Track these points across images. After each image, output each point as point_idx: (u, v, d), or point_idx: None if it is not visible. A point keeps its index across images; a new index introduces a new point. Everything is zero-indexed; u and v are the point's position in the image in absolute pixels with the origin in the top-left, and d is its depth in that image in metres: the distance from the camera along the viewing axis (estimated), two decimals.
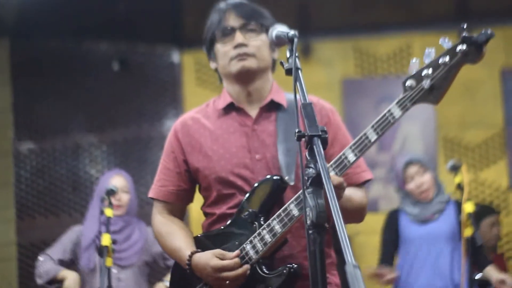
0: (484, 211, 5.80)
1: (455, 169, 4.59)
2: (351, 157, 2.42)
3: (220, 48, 2.70)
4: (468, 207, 4.39)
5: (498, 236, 5.91)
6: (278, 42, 2.31)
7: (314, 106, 2.64)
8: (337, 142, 2.64)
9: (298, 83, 2.08)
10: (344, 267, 1.66)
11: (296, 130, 1.96)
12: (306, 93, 2.07)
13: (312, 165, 1.92)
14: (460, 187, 4.51)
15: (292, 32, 2.21)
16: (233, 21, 2.69)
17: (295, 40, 2.18)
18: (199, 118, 2.76)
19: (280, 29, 2.29)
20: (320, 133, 1.94)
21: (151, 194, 2.82)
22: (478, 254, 4.81)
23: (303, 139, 1.95)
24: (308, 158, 1.94)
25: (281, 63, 2.18)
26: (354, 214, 2.60)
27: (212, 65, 2.80)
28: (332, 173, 2.39)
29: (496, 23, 6.62)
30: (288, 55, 2.16)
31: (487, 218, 5.76)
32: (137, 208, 5.02)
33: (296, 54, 2.13)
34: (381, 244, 5.20)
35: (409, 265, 5.03)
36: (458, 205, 4.87)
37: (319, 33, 7.08)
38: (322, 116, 2.64)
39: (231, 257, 2.50)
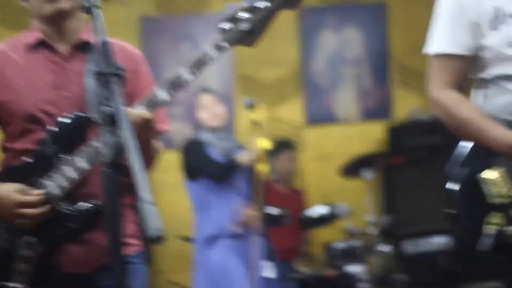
0: (282, 146, 6.01)
1: (251, 106, 4.71)
2: (164, 95, 2.41)
3: None
4: (264, 143, 4.52)
5: (294, 171, 6.16)
6: None
7: (125, 51, 2.61)
8: (146, 91, 2.63)
9: (95, 21, 2.04)
10: (140, 204, 1.68)
11: (94, 68, 1.93)
12: (105, 31, 2.03)
13: (108, 103, 1.91)
14: (256, 123, 4.63)
15: None
16: None
17: None
18: (5, 50, 2.64)
19: None
20: (117, 71, 1.92)
21: None
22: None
23: (101, 76, 1.93)
24: (105, 96, 1.92)
25: (82, 2, 2.13)
26: (150, 158, 2.59)
27: (24, 4, 2.68)
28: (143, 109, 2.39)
29: None
30: None
31: (285, 153, 5.97)
32: None
33: None
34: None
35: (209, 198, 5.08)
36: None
37: None
38: (132, 63, 2.62)
39: (34, 194, 2.45)
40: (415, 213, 6.41)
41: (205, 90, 5.22)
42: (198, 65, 2.41)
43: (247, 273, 4.78)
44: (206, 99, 5.10)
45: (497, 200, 2.44)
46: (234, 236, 4.87)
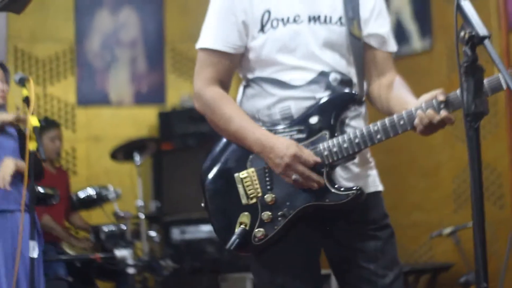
0: (46, 124, 5.82)
1: (22, 81, 4.52)
2: None
3: None
4: (34, 121, 4.36)
5: (59, 150, 5.99)
6: None
7: None
8: None
9: None
10: None
11: None
12: None
13: None
14: (27, 100, 4.45)
15: None
16: None
17: None
18: None
19: None
20: None
21: None
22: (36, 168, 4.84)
23: None
24: None
25: None
26: None
27: None
28: None
29: None
30: None
31: (48, 132, 5.79)
32: None
33: None
34: None
35: None
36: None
37: None
38: None
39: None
40: (182, 200, 6.49)
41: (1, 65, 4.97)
42: None
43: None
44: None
45: (245, 200, 2.50)
46: None
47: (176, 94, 7.23)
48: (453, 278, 5.70)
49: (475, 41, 1.84)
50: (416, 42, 6.42)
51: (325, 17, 2.55)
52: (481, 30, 1.84)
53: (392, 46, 2.66)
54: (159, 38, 7.40)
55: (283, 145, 2.40)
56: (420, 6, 6.43)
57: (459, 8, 1.90)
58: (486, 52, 1.83)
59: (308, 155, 2.41)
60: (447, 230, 5.51)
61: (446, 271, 5.91)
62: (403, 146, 5.97)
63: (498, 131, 5.73)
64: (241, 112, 2.52)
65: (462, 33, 1.87)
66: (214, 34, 2.56)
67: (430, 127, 2.31)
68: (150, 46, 7.39)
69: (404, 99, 2.48)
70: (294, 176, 2.40)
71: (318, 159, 2.42)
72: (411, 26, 6.44)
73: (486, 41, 1.83)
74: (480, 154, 1.86)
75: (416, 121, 2.31)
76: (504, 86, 2.23)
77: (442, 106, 2.29)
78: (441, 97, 2.30)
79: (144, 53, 7.37)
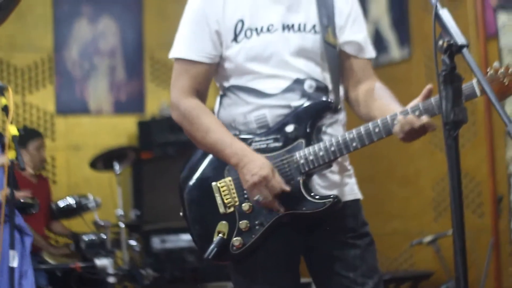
0: (30, 134, 5.81)
1: (1, 90, 4.49)
2: None
3: None
4: (13, 130, 4.33)
5: (44, 159, 5.98)
6: None
7: None
8: None
9: None
10: None
11: None
12: None
13: None
14: (6, 109, 4.43)
15: None
16: None
17: None
18: None
19: None
20: None
21: None
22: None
23: None
24: None
25: None
26: None
27: None
28: None
29: None
30: None
31: (33, 141, 5.77)
32: None
33: None
34: None
35: None
36: None
37: None
38: None
39: None
40: (162, 209, 6.47)
41: None
42: None
43: None
44: None
45: (223, 209, 2.50)
46: None
47: (156, 103, 7.21)
48: (433, 286, 5.71)
49: (454, 49, 1.84)
50: (395, 51, 6.45)
51: (299, 25, 2.55)
52: (460, 39, 1.84)
53: (370, 53, 2.66)
54: (138, 47, 7.39)
55: (258, 164, 2.40)
56: (398, 15, 6.47)
57: (437, 17, 1.90)
58: (464, 60, 1.84)
59: (278, 181, 2.40)
60: (428, 238, 5.52)
61: (427, 279, 5.92)
62: (382, 154, 5.99)
63: (477, 139, 5.75)
64: (218, 124, 2.52)
65: (440, 42, 1.87)
66: (189, 44, 2.55)
67: (412, 133, 2.30)
68: (129, 55, 7.37)
69: (387, 107, 2.46)
70: (256, 197, 2.40)
71: (287, 188, 2.42)
72: (390, 35, 6.47)
73: (465, 50, 1.83)
74: (459, 162, 1.86)
75: (397, 127, 2.31)
76: (478, 94, 2.25)
77: (417, 113, 2.30)
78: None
79: (123, 62, 7.35)
